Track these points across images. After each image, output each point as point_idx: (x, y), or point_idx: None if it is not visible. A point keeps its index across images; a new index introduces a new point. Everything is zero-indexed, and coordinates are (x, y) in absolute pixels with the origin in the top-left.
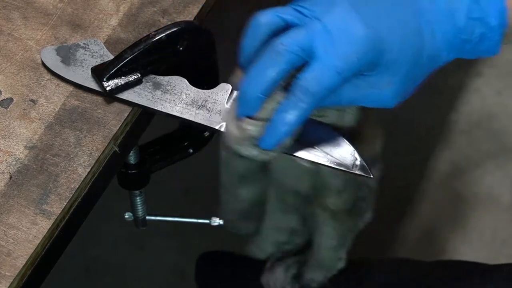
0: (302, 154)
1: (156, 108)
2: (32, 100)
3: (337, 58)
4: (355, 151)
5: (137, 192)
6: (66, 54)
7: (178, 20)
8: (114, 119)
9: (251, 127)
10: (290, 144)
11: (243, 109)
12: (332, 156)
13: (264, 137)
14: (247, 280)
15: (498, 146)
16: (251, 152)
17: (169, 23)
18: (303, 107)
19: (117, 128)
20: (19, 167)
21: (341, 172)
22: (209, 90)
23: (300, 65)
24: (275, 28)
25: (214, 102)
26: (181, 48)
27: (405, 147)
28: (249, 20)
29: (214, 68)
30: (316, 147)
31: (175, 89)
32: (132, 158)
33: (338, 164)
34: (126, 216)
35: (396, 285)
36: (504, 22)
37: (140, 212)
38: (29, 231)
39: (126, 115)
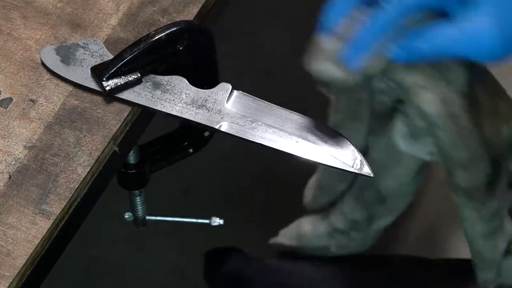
0: (304, 153)
1: (156, 108)
2: (32, 100)
3: None
4: (355, 150)
5: (137, 192)
6: (66, 53)
7: (178, 19)
8: (113, 119)
9: (334, 44)
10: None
11: (326, 26)
12: (333, 156)
13: (349, 49)
14: (257, 278)
15: None
16: (334, 72)
17: (169, 22)
18: (388, 12)
19: (117, 128)
20: (19, 167)
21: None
22: (209, 90)
23: None
24: None
25: (214, 102)
26: (181, 48)
27: None
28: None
29: (214, 67)
30: (318, 147)
31: (175, 89)
32: (132, 158)
33: (339, 163)
34: (126, 216)
35: (391, 278)
36: None
37: (140, 212)
38: (28, 231)
39: (125, 115)
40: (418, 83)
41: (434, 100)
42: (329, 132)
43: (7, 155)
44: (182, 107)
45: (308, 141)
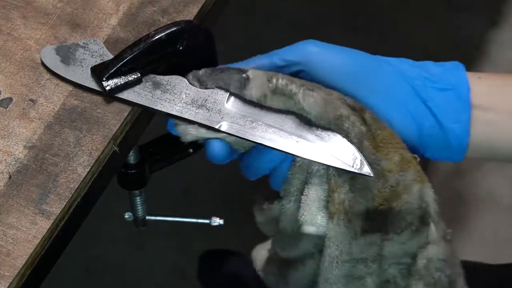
0: (304, 153)
1: (155, 108)
2: (32, 100)
3: None
4: (356, 150)
5: (137, 192)
6: (66, 53)
7: (178, 19)
8: (113, 119)
9: None
10: None
11: None
12: (332, 156)
13: None
14: (254, 280)
15: None
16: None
17: (169, 22)
18: None
19: (117, 127)
20: (19, 167)
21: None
22: (209, 90)
23: None
24: None
25: (214, 102)
26: (181, 48)
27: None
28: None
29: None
30: (318, 147)
31: (174, 89)
32: (132, 158)
33: (339, 163)
34: (126, 216)
35: None
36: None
37: (140, 212)
38: (28, 231)
39: (125, 114)
40: (303, 88)
41: (317, 98)
42: (329, 131)
43: (7, 155)
44: (182, 107)
45: (308, 140)
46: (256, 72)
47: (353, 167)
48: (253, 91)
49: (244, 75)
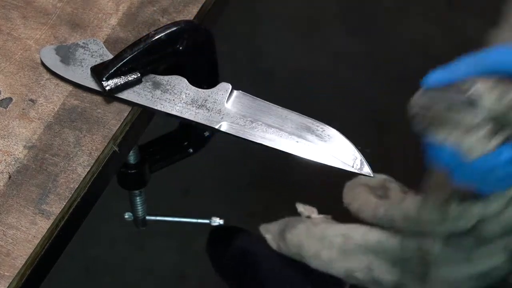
0: (304, 153)
1: (155, 108)
2: (32, 100)
3: None
4: (356, 150)
5: (137, 192)
6: (66, 53)
7: (178, 19)
8: (113, 119)
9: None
10: None
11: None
12: (333, 155)
13: None
14: (258, 258)
15: None
16: None
17: (169, 22)
18: None
19: (117, 127)
20: (18, 167)
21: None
22: (209, 90)
23: None
24: None
25: (214, 102)
26: (180, 48)
27: (407, 148)
28: None
29: (214, 67)
30: (318, 147)
31: (174, 89)
32: (132, 158)
33: (339, 163)
34: (126, 216)
35: None
36: None
37: (140, 212)
38: (28, 231)
39: (125, 114)
40: None
41: None
42: (329, 131)
43: (7, 155)
44: (182, 107)
45: (308, 140)
46: (479, 89)
47: (353, 167)
48: (486, 115)
49: (465, 95)
